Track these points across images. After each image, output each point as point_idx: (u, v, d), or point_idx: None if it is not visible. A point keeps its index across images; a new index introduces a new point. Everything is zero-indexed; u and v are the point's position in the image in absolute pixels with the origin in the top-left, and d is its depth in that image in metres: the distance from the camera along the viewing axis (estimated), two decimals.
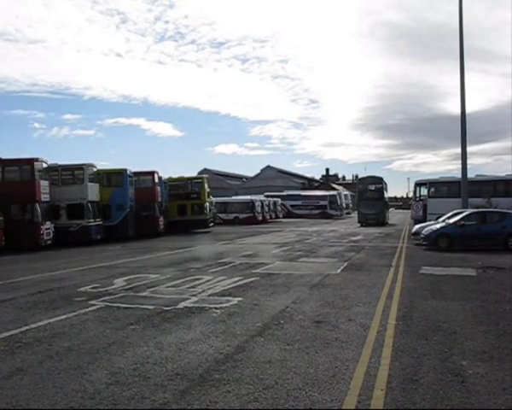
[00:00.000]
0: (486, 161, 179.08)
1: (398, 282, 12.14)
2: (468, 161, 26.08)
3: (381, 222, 44.37)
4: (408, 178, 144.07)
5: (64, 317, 8.68)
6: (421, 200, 32.86)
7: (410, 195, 44.18)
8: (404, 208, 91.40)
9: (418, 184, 34.76)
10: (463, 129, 26.56)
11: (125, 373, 5.71)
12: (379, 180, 47.92)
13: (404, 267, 14.96)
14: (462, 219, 20.57)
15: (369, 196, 45.88)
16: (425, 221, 27.49)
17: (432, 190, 32.14)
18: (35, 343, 7.06)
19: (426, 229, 22.06)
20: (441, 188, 32.36)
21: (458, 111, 27.06)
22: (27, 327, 7.98)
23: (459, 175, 28.00)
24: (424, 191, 33.29)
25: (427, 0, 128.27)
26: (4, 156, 26.26)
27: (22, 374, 5.77)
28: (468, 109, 27.00)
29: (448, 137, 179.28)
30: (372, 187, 47.02)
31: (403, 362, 5.96)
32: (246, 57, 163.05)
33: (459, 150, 27.38)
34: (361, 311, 8.89)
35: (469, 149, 29.03)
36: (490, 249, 19.22)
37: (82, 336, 7.48)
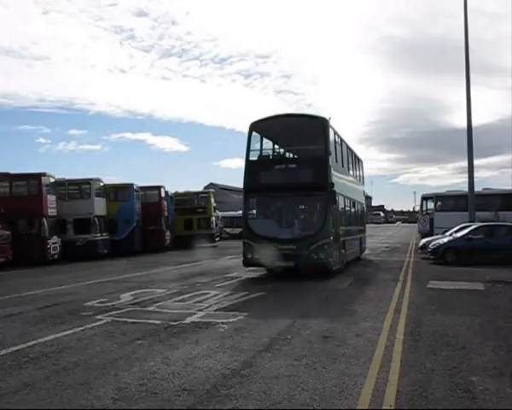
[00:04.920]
0: (493, 174, 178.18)
1: (406, 296, 12.08)
2: (475, 175, 26.19)
3: (323, 268, 15.48)
4: (414, 192, 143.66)
5: (71, 332, 8.67)
6: (427, 214, 32.71)
7: (417, 208, 41.87)
8: (410, 222, 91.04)
9: (425, 198, 34.63)
10: (470, 143, 26.53)
11: (131, 389, 5.68)
12: (315, 129, 16.51)
13: (411, 282, 14.88)
14: (469, 232, 20.47)
15: (278, 181, 16.10)
16: (432, 235, 27.36)
17: (439, 203, 32.00)
18: (42, 358, 7.05)
19: (433, 243, 21.96)
20: (448, 201, 32.21)
21: (463, 124, 27.08)
22: (34, 342, 7.97)
23: (466, 189, 27.93)
24: (431, 205, 33.14)
25: (429, 15, 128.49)
26: (12, 171, 26.48)
27: (29, 389, 5.76)
28: (473, 123, 26.95)
29: (454, 151, 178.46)
30: (291, 159, 18.48)
31: (411, 378, 5.91)
32: (249, 72, 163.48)
33: (465, 164, 27.37)
34: (368, 326, 8.84)
35: (475, 162, 28.76)
36: (498, 263, 19.05)
37: (89, 351, 7.47)
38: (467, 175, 27.22)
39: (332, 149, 16.53)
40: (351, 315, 9.85)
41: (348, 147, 21.28)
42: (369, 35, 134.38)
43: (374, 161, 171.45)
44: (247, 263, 16.35)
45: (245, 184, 16.44)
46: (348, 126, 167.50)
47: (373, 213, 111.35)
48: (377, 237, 44.50)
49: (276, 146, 19.21)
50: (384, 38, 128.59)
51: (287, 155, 19.32)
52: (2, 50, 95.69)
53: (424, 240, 25.17)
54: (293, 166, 16.68)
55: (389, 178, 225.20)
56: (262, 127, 17.29)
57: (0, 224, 22.57)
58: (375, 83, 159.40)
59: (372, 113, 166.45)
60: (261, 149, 17.56)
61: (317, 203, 16.64)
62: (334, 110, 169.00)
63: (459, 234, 21.35)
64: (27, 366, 6.70)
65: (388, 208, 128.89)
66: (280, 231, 15.92)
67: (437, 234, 26.90)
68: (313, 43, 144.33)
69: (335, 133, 17.67)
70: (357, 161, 24.81)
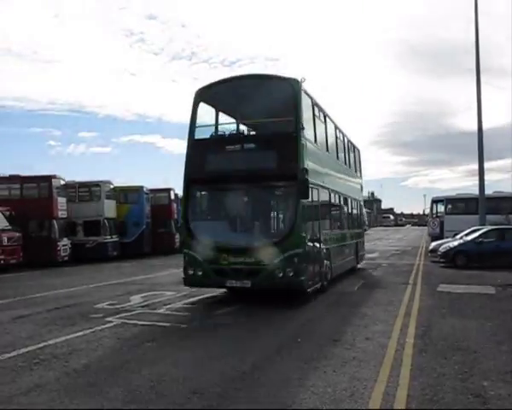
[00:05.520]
0: (503, 177, 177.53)
1: (416, 300, 12.00)
2: (485, 177, 26.05)
3: (293, 289, 11.41)
4: (424, 195, 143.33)
5: (81, 333, 8.70)
6: (438, 217, 32.56)
7: (427, 211, 41.37)
8: (420, 225, 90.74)
9: (435, 201, 34.43)
10: (480, 145, 26.34)
11: (141, 391, 5.68)
12: (282, 94, 12.17)
13: (421, 285, 14.80)
14: (480, 236, 20.35)
15: (231, 167, 11.86)
16: (442, 238, 27.22)
17: (449, 206, 31.83)
18: (52, 360, 7.08)
19: (443, 246, 21.85)
20: (458, 205, 32.04)
21: (474, 127, 26.92)
22: (45, 343, 8.01)
23: (476, 191, 27.73)
24: (441, 208, 32.96)
25: (439, 18, 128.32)
26: (23, 173, 26.68)
27: (40, 390, 5.78)
28: (484, 125, 26.68)
29: (464, 153, 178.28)
30: (248, 137, 13.76)
31: (422, 382, 5.86)
32: None
33: (476, 166, 27.14)
34: (378, 329, 8.79)
35: (486, 165, 27.92)
36: (509, 267, 18.85)
37: (99, 353, 7.49)
38: (477, 178, 27.03)
39: (307, 122, 12.01)
40: (360, 318, 9.80)
41: (337, 127, 16.88)
42: (380, 38, 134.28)
43: (385, 164, 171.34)
44: (189, 282, 12.14)
45: (186, 172, 12.23)
46: (360, 129, 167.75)
47: (382, 216, 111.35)
48: (387, 240, 44.45)
49: (231, 120, 14.50)
50: (395, 40, 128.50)
51: (244, 131, 14.18)
52: (13, 53, 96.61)
53: (434, 243, 25.04)
54: (251, 145, 12.27)
55: (399, 181, 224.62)
56: (212, 96, 13.01)
57: (11, 226, 22.72)
58: (386, 86, 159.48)
59: (383, 115, 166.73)
60: (216, 126, 13.45)
61: (284, 198, 12.75)
62: (345, 113, 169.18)
63: (469, 237, 21.21)
64: (38, 367, 6.73)
65: (398, 211, 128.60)
66: (232, 238, 11.95)
67: (447, 237, 26.75)
68: (323, 46, 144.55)
69: (314, 104, 13.31)
70: (351, 147, 20.07)
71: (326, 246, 13.35)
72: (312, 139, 12.70)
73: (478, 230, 21.70)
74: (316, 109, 13.45)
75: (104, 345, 7.93)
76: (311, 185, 11.41)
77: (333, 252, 14.23)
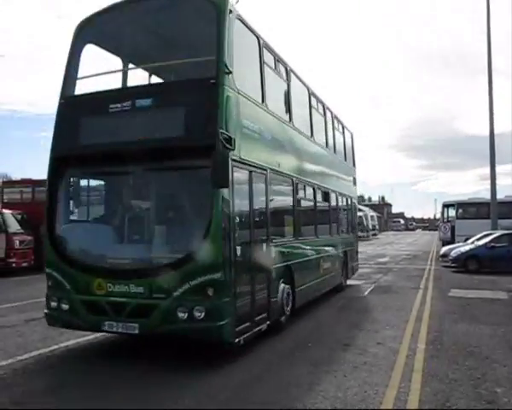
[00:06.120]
0: None
1: (427, 304, 11.93)
2: (497, 182, 25.94)
3: (207, 339, 6.77)
4: (435, 199, 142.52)
5: (92, 337, 8.69)
6: (449, 221, 32.41)
7: (438, 216, 40.95)
8: (430, 229, 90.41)
9: (446, 206, 34.27)
10: (492, 149, 26.19)
11: (151, 394, 5.69)
12: (200, 22, 7.88)
13: (432, 290, 14.70)
14: (491, 240, 20.18)
15: (115, 138, 7.32)
16: (453, 243, 27.08)
17: (460, 211, 31.65)
18: (64, 363, 7.12)
19: (454, 251, 21.70)
20: (470, 209, 31.86)
21: (485, 131, 26.84)
22: (56, 346, 8.05)
23: (487, 196, 27.58)
24: (452, 212, 32.80)
25: (448, 22, 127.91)
26: (34, 177, 26.88)
27: (51, 393, 5.81)
28: (496, 129, 26.56)
29: (476, 158, 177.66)
30: (143, 89, 7.92)
31: (434, 388, 5.82)
32: None
33: (487, 170, 27.04)
34: (389, 334, 8.75)
35: (498, 169, 27.44)
36: None
37: (110, 356, 7.52)
38: (489, 182, 26.90)
39: (244, 67, 7.84)
40: (371, 323, 9.76)
41: (313, 94, 12.18)
42: (389, 42, 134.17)
43: (395, 168, 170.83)
44: (51, 319, 7.81)
45: (52, 147, 7.93)
46: (370, 135, 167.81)
47: (392, 221, 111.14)
48: (397, 245, 44.29)
49: (130, 65, 9.33)
50: (404, 45, 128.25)
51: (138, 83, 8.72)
52: (21, 57, 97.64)
53: (445, 248, 24.90)
54: (147, 102, 7.31)
55: (410, 185, 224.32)
56: (101, 31, 8.60)
57: (23, 229, 22.88)
58: (394, 90, 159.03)
59: (393, 120, 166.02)
60: (123, 78, 8.74)
61: (198, 187, 7.33)
62: (354, 119, 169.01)
63: (481, 242, 21.07)
64: (49, 370, 6.77)
65: (408, 216, 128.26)
66: (113, 253, 7.53)
67: (458, 242, 26.61)
68: (328, 48, 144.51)
69: (264, 46, 8.73)
70: (338, 126, 15.11)
71: (283, 262, 9.00)
72: (257, 96, 8.25)
73: (490, 234, 21.56)
74: (266, 54, 8.84)
75: (116, 348, 7.97)
76: (248, 166, 7.58)
77: (298, 270, 9.75)
